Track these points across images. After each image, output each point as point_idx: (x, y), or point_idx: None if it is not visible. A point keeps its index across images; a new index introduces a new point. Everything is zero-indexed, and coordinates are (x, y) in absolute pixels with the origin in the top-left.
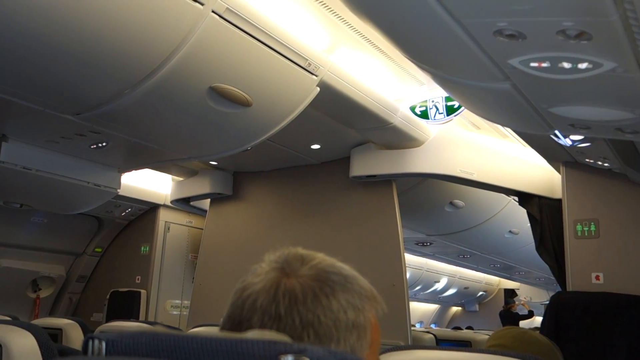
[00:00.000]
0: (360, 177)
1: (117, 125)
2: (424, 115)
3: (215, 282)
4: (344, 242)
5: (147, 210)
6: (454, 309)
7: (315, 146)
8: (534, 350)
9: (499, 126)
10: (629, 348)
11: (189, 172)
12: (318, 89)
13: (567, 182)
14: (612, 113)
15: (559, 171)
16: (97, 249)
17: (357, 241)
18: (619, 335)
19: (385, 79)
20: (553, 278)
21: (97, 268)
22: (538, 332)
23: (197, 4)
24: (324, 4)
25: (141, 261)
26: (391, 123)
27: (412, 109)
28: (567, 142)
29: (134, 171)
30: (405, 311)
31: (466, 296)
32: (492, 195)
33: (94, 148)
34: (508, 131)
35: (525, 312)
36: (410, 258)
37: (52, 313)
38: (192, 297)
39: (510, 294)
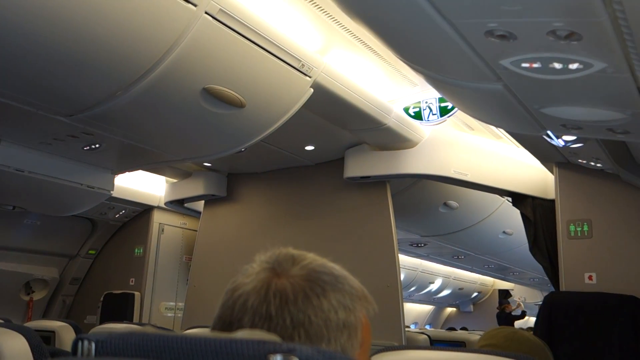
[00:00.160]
0: (354, 178)
1: (110, 127)
2: (418, 116)
3: (209, 283)
4: (339, 243)
5: (141, 212)
6: (449, 309)
7: (310, 147)
8: (525, 350)
9: (493, 127)
10: (622, 347)
11: (183, 174)
12: (312, 90)
13: (560, 182)
14: (603, 113)
15: (552, 172)
16: (90, 251)
17: (352, 242)
18: (612, 334)
19: (379, 80)
20: (547, 278)
21: (91, 270)
22: (531, 332)
23: (190, 5)
24: (317, 5)
25: (135, 263)
26: (385, 124)
27: (406, 110)
28: (559, 142)
29: (127, 173)
30: (399, 312)
31: (461, 297)
32: (486, 196)
33: (87, 150)
34: (501, 132)
35: (526, 312)
36: (404, 259)
37: (45, 315)
38: (187, 299)
39: (504, 294)
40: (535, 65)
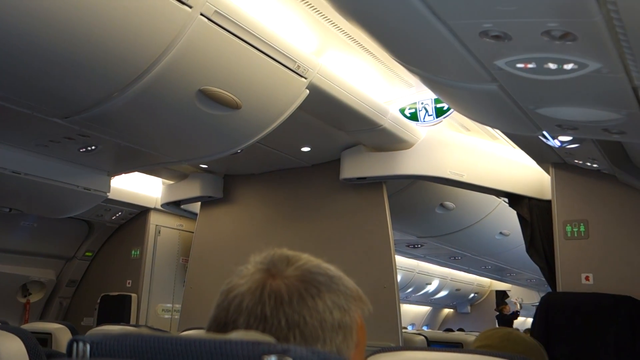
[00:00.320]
0: (350, 180)
1: (106, 129)
2: (414, 117)
3: (206, 285)
4: (335, 245)
5: (138, 213)
6: (446, 311)
7: (306, 149)
8: (520, 350)
9: (489, 128)
10: (619, 347)
11: (179, 176)
12: (307, 91)
13: (556, 183)
14: (599, 113)
15: (548, 172)
16: (87, 253)
17: (348, 243)
18: (609, 335)
19: (375, 81)
20: (544, 279)
21: (88, 272)
22: (527, 332)
23: (185, 7)
24: (313, 6)
25: (132, 265)
26: (381, 125)
27: (402, 111)
28: (555, 143)
29: (123, 174)
30: (396, 313)
31: (458, 298)
32: (483, 196)
33: (83, 151)
34: (498, 133)
35: (519, 313)
36: (401, 260)
37: (42, 318)
38: (183, 301)
39: (501, 296)
40: (530, 66)
